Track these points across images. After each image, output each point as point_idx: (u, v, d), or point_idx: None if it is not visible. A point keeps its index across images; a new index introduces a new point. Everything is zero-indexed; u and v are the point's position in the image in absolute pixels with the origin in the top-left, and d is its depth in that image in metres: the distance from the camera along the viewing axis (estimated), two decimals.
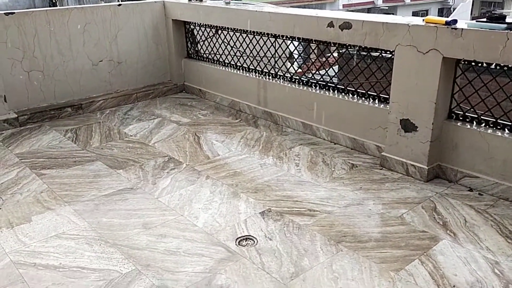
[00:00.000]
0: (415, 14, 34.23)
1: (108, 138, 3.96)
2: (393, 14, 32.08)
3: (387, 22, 3.05)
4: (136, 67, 4.90)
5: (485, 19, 2.64)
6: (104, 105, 4.68)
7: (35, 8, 10.97)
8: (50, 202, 2.89)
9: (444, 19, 2.81)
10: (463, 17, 33.43)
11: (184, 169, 3.33)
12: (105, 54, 4.62)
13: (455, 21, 2.73)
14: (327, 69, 3.99)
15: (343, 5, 30.65)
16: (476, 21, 2.68)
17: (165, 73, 5.18)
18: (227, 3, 4.56)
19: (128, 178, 3.20)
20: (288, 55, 4.29)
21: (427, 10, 34.92)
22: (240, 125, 4.23)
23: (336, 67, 4.24)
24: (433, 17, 2.91)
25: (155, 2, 4.89)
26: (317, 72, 4.03)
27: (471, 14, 35.92)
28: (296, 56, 4.44)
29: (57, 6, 10.10)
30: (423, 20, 2.93)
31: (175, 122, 4.33)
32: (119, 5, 4.58)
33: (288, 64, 4.35)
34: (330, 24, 3.44)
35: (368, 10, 32.42)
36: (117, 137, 3.98)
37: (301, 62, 4.82)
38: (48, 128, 4.21)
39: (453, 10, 34.50)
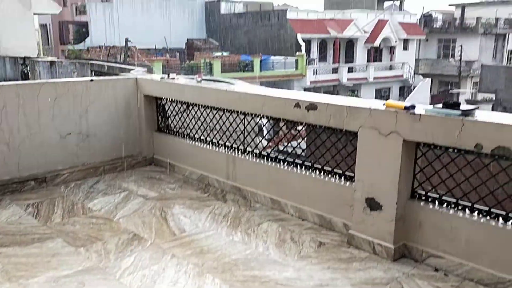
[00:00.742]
0: (378, 91, 36.19)
1: (71, 213, 3.84)
2: (357, 91, 33.83)
3: (350, 106, 3.22)
4: (105, 140, 4.89)
5: (441, 105, 2.82)
6: (69, 178, 4.58)
7: (7, 78, 11.00)
8: (4, 284, 2.71)
9: (403, 103, 2.99)
10: (423, 95, 35.59)
11: (148, 247, 3.23)
12: (74, 127, 4.61)
13: (413, 106, 2.91)
14: (295, 147, 4.10)
15: (310, 81, 32.10)
16: (433, 107, 2.86)
17: (135, 146, 5.18)
18: (199, 82, 4.72)
19: (89, 257, 3.07)
20: (257, 132, 4.40)
21: (389, 88, 37.00)
22: (209, 199, 4.21)
23: (303, 144, 4.36)
24: (392, 101, 3.09)
25: (127, 78, 5.00)
26: (285, 149, 4.13)
27: (430, 92, 38.31)
28: (264, 133, 4.55)
29: (29, 78, 10.16)
30: (384, 104, 3.10)
31: (142, 196, 4.26)
32: (91, 80, 4.67)
33: (257, 140, 4.44)
34: (297, 105, 3.59)
35: (334, 87, 34.07)
36: (80, 212, 3.87)
37: (270, 139, 4.93)
38: (8, 203, 4.06)
39: (414, 88, 36.72)
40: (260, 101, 3.95)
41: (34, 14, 11.88)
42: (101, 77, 4.87)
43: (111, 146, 4.95)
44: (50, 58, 10.94)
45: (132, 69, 9.11)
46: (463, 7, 42.61)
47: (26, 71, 10.57)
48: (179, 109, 4.95)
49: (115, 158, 5.00)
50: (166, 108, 5.18)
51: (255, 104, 4.00)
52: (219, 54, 31.19)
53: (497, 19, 39.82)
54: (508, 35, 41.52)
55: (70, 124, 4.58)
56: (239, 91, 4.21)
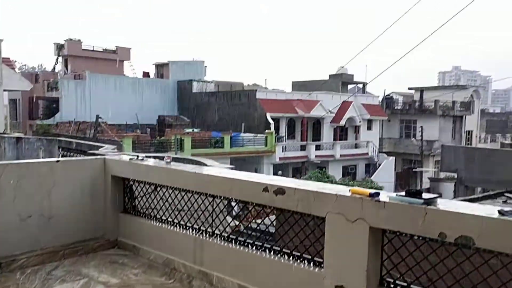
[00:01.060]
0: (344, 168, 37.03)
1: None
2: (325, 168, 34.50)
3: (317, 191, 3.27)
4: (68, 222, 4.71)
5: (404, 193, 2.91)
6: (26, 263, 4.33)
7: None
8: None
9: (368, 190, 3.07)
10: (388, 173, 36.56)
11: None
12: (36, 209, 4.45)
13: (378, 194, 2.99)
14: (263, 230, 4.06)
15: (279, 158, 32.65)
16: (397, 194, 2.94)
17: (99, 228, 5.00)
18: (168, 163, 4.73)
19: None
20: (225, 214, 4.36)
21: (355, 166, 37.96)
22: (174, 286, 4.03)
23: (272, 228, 4.33)
24: (358, 188, 3.17)
25: (95, 159, 4.96)
26: (254, 233, 4.08)
27: (395, 170, 39.46)
28: (234, 215, 4.52)
29: None
30: (350, 190, 3.17)
31: (102, 283, 4.04)
32: (58, 161, 4.60)
33: (226, 223, 4.39)
34: (265, 189, 3.62)
35: (303, 164, 34.69)
36: None
37: (238, 222, 4.88)
38: None
39: (379, 166, 37.80)
40: (229, 184, 3.96)
41: (5, 90, 11.91)
42: (68, 158, 4.82)
43: (74, 228, 4.77)
44: (16, 134, 10.80)
45: (101, 146, 9.06)
46: (421, 90, 45.51)
47: None
48: (147, 190, 4.89)
49: (77, 241, 4.80)
50: (134, 188, 5.10)
51: (224, 187, 4.01)
52: (190, 130, 31.61)
53: (453, 102, 42.55)
54: (465, 117, 44.23)
55: (32, 206, 4.42)
56: (208, 174, 4.23)
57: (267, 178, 4.19)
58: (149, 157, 5.81)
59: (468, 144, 44.45)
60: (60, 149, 9.63)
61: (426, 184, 35.67)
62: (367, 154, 38.26)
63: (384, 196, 2.97)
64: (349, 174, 36.66)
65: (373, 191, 3.03)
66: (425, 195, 2.80)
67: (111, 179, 5.01)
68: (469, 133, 45.85)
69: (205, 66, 43.58)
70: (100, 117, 26.24)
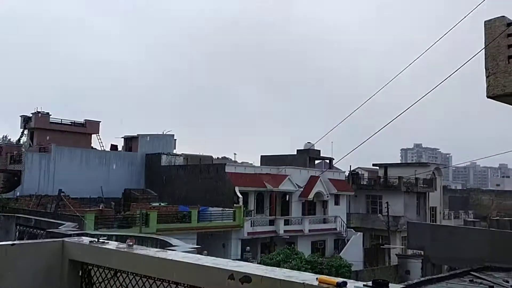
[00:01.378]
0: (313, 244, 36.64)
1: None
2: (294, 243, 34.02)
3: (284, 280, 3.17)
4: None
5: (371, 283, 2.87)
6: None
7: None
8: None
9: (335, 279, 3.01)
10: (356, 249, 36.37)
11: None
12: None
13: (345, 283, 2.93)
14: None
15: (247, 232, 32.08)
16: (364, 285, 2.89)
17: None
18: (130, 246, 4.55)
19: None
20: None
21: (324, 241, 37.67)
22: None
23: None
24: (325, 277, 3.11)
25: (53, 241, 4.72)
26: None
27: (363, 245, 39.35)
28: None
29: None
30: (317, 278, 3.10)
31: None
32: (12, 244, 4.35)
33: None
34: (231, 277, 3.50)
35: (271, 239, 34.15)
36: None
37: None
38: None
39: (347, 241, 37.65)
40: (193, 271, 3.81)
41: None
42: (24, 241, 4.57)
43: None
44: None
45: (61, 224, 8.72)
46: (385, 167, 46.91)
47: None
48: (106, 275, 4.64)
49: None
50: (92, 274, 4.84)
51: (188, 273, 3.85)
52: (156, 204, 30.95)
53: (416, 179, 43.87)
54: (428, 193, 45.46)
55: None
56: (172, 259, 4.07)
57: (233, 264, 4.07)
58: (112, 237, 5.60)
59: (432, 220, 45.26)
60: (18, 226, 9.19)
61: (394, 260, 35.59)
62: (335, 229, 38.21)
63: (351, 286, 2.92)
64: (318, 249, 36.23)
65: (340, 280, 2.97)
66: (392, 286, 2.77)
67: (68, 264, 4.74)
68: (433, 209, 46.88)
69: (175, 140, 43.85)
70: (63, 191, 25.44)
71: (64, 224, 8.54)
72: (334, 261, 26.80)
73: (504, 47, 6.33)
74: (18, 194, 31.17)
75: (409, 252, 30.81)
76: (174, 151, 42.42)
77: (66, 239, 4.94)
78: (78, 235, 6.75)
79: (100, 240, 4.81)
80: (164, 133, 43.17)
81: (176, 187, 36.46)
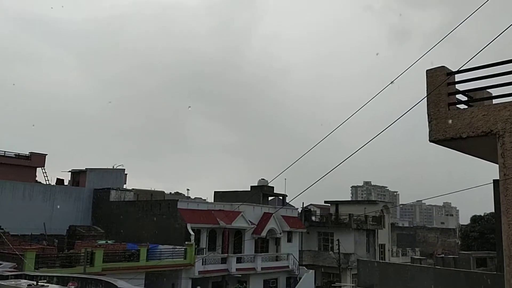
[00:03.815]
0: (266, 282, 36.18)
1: None
2: (246, 282, 33.43)
3: None
4: None
5: None
6: None
7: None
8: None
9: None
10: (308, 287, 36.23)
11: None
12: None
13: None
14: None
15: (199, 271, 31.23)
16: None
17: None
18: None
19: None
20: None
21: (276, 279, 37.30)
22: None
23: None
24: None
25: None
26: None
27: (315, 283, 39.28)
28: None
29: None
30: None
31: None
32: None
33: None
34: None
35: (223, 277, 33.37)
36: None
37: None
38: None
39: (299, 279, 37.46)
40: None
41: None
42: None
43: None
44: None
45: None
46: (337, 204, 47.76)
47: None
48: None
49: None
50: None
51: None
52: (103, 242, 29.58)
53: (366, 217, 44.87)
54: (377, 231, 46.50)
55: None
56: None
57: None
58: (53, 278, 5.30)
59: (382, 257, 46.13)
60: None
61: None
62: (287, 267, 38.00)
63: None
64: None
65: None
66: None
67: None
68: (382, 246, 47.88)
69: (125, 174, 42.65)
70: (2, 228, 23.86)
71: (2, 264, 7.98)
72: None
73: (444, 95, 6.76)
74: None
75: None
76: (125, 186, 41.19)
77: (2, 282, 4.63)
78: (16, 276, 6.35)
79: (39, 284, 4.55)
80: (115, 167, 41.97)
81: (125, 224, 35.18)
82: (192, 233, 31.89)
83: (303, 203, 48.78)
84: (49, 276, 7.48)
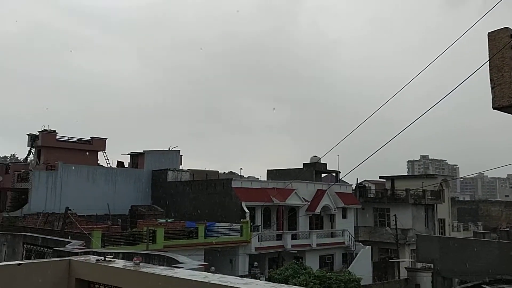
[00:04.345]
0: (321, 258, 36.28)
1: None
2: (302, 258, 33.70)
3: None
4: None
5: None
6: None
7: None
8: None
9: None
10: (365, 262, 35.96)
11: None
12: None
13: None
14: None
15: (255, 248, 31.84)
16: None
17: None
18: (136, 264, 4.53)
19: None
20: None
21: (332, 255, 37.30)
22: None
23: None
24: None
25: (59, 261, 4.71)
26: None
27: (371, 259, 38.91)
28: None
29: None
30: None
31: None
32: (19, 264, 4.34)
33: None
34: None
35: (279, 254, 33.86)
36: None
37: None
38: None
39: (356, 255, 37.24)
40: None
41: None
42: (31, 261, 4.57)
43: None
44: None
45: (68, 242, 8.71)
46: (392, 179, 46.61)
47: None
48: None
49: None
50: None
51: None
52: (163, 220, 30.85)
53: (424, 191, 43.51)
54: (436, 205, 45.03)
55: None
56: (179, 277, 4.04)
57: (240, 282, 4.02)
58: (118, 255, 5.59)
59: (441, 232, 44.74)
60: (25, 245, 9.20)
61: (403, 274, 35.10)
62: (343, 243, 37.84)
63: None
64: (326, 264, 35.86)
65: None
66: None
67: (75, 283, 4.72)
68: (442, 221, 46.38)
69: (181, 155, 43.90)
70: (70, 209, 25.46)
71: (71, 242, 8.53)
72: (343, 275, 26.45)
73: (508, 59, 6.32)
74: (25, 212, 31.23)
75: (419, 265, 30.39)
76: (180, 167, 42.44)
77: (72, 258, 4.93)
78: (85, 253, 6.75)
79: (106, 259, 4.80)
80: (170, 149, 43.27)
81: (182, 203, 36.40)
82: (247, 210, 32.46)
83: (357, 179, 48.10)
84: (115, 252, 7.87)
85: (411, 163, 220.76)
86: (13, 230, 20.87)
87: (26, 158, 40.59)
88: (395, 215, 40.00)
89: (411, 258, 37.63)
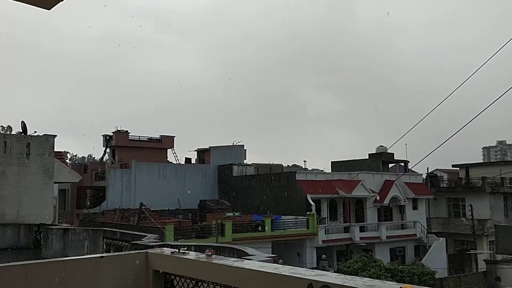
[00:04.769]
0: (392, 251, 35.24)
1: None
2: (371, 251, 32.96)
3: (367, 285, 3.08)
4: None
5: None
6: None
7: (19, 246, 11.03)
8: None
9: None
10: (439, 255, 34.44)
11: None
12: None
13: None
14: None
15: (322, 240, 31.63)
16: None
17: None
18: (209, 256, 4.66)
19: None
20: None
21: (403, 248, 36.12)
22: None
23: None
24: (410, 285, 2.96)
25: (137, 253, 4.97)
26: None
27: (446, 252, 37.17)
28: None
29: (41, 245, 10.18)
30: (401, 287, 2.96)
31: None
32: (101, 257, 4.63)
33: None
34: (310, 286, 3.45)
35: (347, 247, 33.37)
36: None
37: None
38: None
39: (429, 247, 35.77)
40: (272, 280, 3.81)
41: (55, 182, 12.50)
42: (111, 254, 4.85)
43: None
44: (64, 226, 11.12)
45: (144, 236, 9.15)
46: (467, 167, 44.09)
47: (39, 238, 10.64)
48: (188, 285, 4.79)
49: None
50: (175, 284, 5.02)
51: (267, 282, 3.86)
52: (230, 214, 31.54)
53: (502, 179, 40.75)
54: None
55: None
56: (250, 268, 4.11)
57: (311, 273, 4.01)
58: (191, 247, 5.78)
59: None
60: (105, 239, 9.79)
61: (481, 266, 33.18)
62: (415, 235, 36.49)
63: None
64: (397, 257, 34.79)
65: None
66: None
67: (152, 274, 4.95)
68: None
69: (245, 150, 44.52)
70: (144, 205, 26.78)
71: (147, 236, 8.96)
72: (415, 268, 25.55)
73: None
74: (103, 209, 33.28)
75: (499, 257, 28.57)
76: (245, 161, 43.06)
77: (149, 250, 5.18)
78: (160, 246, 7.06)
79: (180, 251, 4.99)
80: (234, 144, 44.02)
81: (247, 196, 36.94)
82: (312, 203, 32.29)
83: (427, 168, 45.99)
84: (187, 245, 8.15)
85: (486, 149, 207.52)
86: (93, 225, 22.36)
87: (102, 157, 43.19)
88: (471, 205, 37.86)
89: (490, 250, 35.45)
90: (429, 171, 45.39)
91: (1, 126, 51.55)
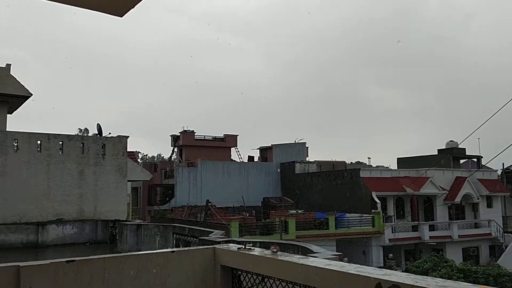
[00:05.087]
0: (465, 251, 33.48)
1: None
2: (442, 250, 31.51)
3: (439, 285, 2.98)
4: None
5: None
6: None
7: (97, 240, 11.80)
8: None
9: None
10: None
11: None
12: None
13: None
14: None
15: (389, 239, 30.75)
16: None
17: None
18: (274, 253, 4.72)
19: None
20: None
21: (477, 247, 34.18)
22: None
23: None
24: (485, 287, 2.83)
25: (205, 248, 5.14)
26: None
27: None
28: None
29: (116, 239, 10.82)
30: None
31: None
32: (172, 251, 4.85)
33: None
34: (378, 286, 3.40)
35: (415, 246, 32.16)
36: None
37: None
38: None
39: (505, 247, 33.54)
40: (338, 278, 3.79)
41: (128, 181, 13.21)
42: (181, 248, 5.07)
43: None
44: (137, 221, 11.72)
45: (210, 231, 9.42)
46: None
47: (114, 233, 11.30)
48: (254, 281, 4.88)
49: None
50: (242, 279, 5.14)
51: (333, 281, 3.84)
52: (294, 211, 31.53)
53: None
54: None
55: None
56: (315, 266, 4.11)
57: (380, 272, 3.93)
58: (256, 243, 5.88)
59: None
60: (174, 235, 10.20)
61: None
62: (489, 234, 34.41)
63: None
64: (470, 257, 32.99)
65: None
66: None
67: (220, 269, 5.10)
68: None
69: (307, 147, 44.26)
70: (210, 202, 27.52)
71: (213, 231, 9.22)
72: (491, 269, 24.06)
73: None
74: (172, 206, 34.62)
75: None
76: (307, 159, 42.82)
77: (216, 246, 5.34)
78: (226, 242, 7.23)
79: (247, 247, 5.10)
80: (296, 141, 43.91)
81: (310, 194, 36.72)
82: (377, 201, 31.46)
83: (503, 164, 43.05)
84: (252, 241, 8.29)
85: None
86: (163, 221, 23.33)
87: (170, 157, 44.89)
88: None
89: None
90: (504, 167, 42.47)
91: (79, 128, 55.18)
